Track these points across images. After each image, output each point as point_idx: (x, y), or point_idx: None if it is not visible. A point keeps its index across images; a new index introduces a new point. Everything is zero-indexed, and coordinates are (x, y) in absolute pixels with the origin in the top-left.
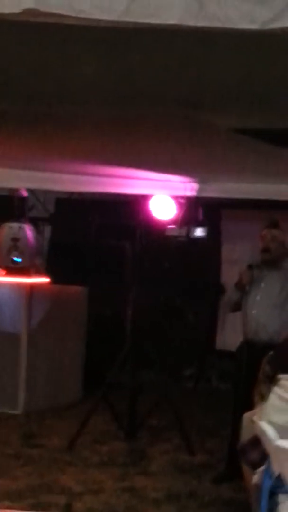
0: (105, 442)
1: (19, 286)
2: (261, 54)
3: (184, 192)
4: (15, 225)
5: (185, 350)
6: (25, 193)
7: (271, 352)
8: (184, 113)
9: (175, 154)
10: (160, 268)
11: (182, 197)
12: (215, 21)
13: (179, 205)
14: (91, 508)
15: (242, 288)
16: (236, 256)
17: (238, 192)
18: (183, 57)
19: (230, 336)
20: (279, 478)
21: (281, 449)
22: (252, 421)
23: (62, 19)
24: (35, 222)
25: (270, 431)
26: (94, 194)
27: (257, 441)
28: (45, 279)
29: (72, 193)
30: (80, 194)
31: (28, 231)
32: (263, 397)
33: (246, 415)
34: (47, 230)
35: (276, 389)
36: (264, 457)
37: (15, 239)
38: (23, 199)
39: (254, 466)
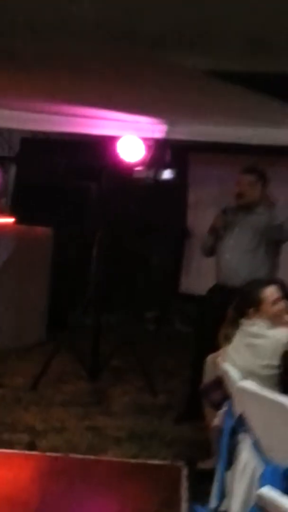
0: (68, 382)
1: None
2: None
3: (153, 134)
4: None
5: (148, 293)
6: None
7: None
8: (155, 54)
9: (144, 95)
10: (126, 210)
11: (150, 139)
12: None
13: (147, 147)
14: (54, 446)
15: (216, 232)
16: (202, 200)
17: (207, 134)
18: None
19: (194, 279)
20: (240, 418)
21: (242, 390)
22: (216, 363)
23: None
24: (1, 162)
25: (233, 372)
26: (61, 134)
27: (220, 382)
28: (9, 219)
29: (36, 133)
30: (46, 134)
31: None
32: (228, 339)
33: (210, 357)
34: (13, 169)
35: (239, 333)
36: (225, 398)
37: None
38: None
39: (216, 406)
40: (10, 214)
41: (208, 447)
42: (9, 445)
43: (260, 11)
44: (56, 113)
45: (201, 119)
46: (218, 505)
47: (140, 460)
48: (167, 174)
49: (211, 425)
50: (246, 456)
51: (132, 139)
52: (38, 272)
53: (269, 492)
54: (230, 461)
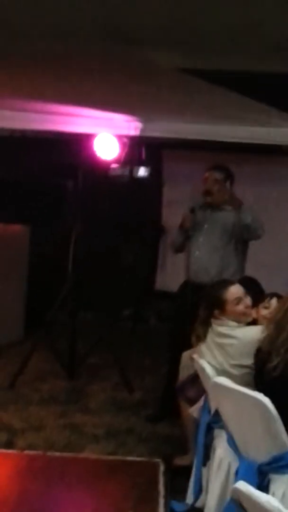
0: (45, 380)
1: None
2: None
3: (128, 131)
4: None
5: (124, 290)
6: None
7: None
8: (130, 51)
9: (119, 93)
10: (102, 207)
11: (125, 136)
12: None
13: (122, 144)
14: (32, 444)
15: (185, 231)
16: (176, 197)
17: (181, 132)
18: None
19: (169, 276)
20: (215, 413)
21: (218, 386)
22: (192, 359)
23: None
24: None
25: (208, 368)
26: (37, 132)
27: (195, 379)
28: None
29: (13, 131)
30: (22, 131)
31: None
32: (200, 338)
33: (185, 354)
34: None
35: (210, 332)
36: (201, 394)
37: None
38: None
39: (192, 403)
40: None
41: (185, 443)
42: None
43: (235, 8)
44: (32, 111)
45: (175, 116)
46: (195, 501)
47: (117, 457)
48: (142, 172)
49: (187, 421)
50: (221, 451)
51: (107, 136)
52: (14, 270)
53: (245, 486)
54: (206, 456)
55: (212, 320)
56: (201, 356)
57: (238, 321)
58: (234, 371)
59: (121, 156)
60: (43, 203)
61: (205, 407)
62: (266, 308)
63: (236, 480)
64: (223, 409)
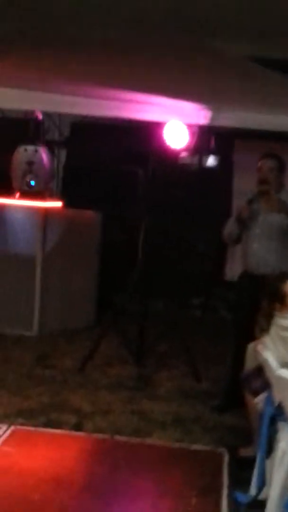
0: (114, 365)
1: (33, 209)
2: None
3: (197, 120)
4: (30, 148)
5: (194, 279)
6: (40, 116)
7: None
8: (200, 40)
9: (190, 81)
10: (172, 196)
11: (195, 125)
12: None
13: (192, 133)
14: (100, 427)
15: (242, 222)
16: (247, 188)
17: (251, 122)
18: None
19: (239, 267)
20: (279, 406)
21: (281, 379)
22: (256, 351)
23: None
24: (50, 146)
25: (272, 361)
26: (109, 119)
27: (260, 370)
28: (59, 203)
29: (85, 117)
30: (94, 118)
31: (44, 154)
32: (263, 331)
33: (251, 345)
34: (62, 154)
35: (274, 325)
36: (266, 386)
37: (30, 163)
38: (38, 122)
39: (257, 394)
40: (58, 198)
41: (249, 435)
42: (57, 425)
43: None
44: (104, 98)
45: (245, 106)
46: (258, 493)
47: (183, 445)
48: (211, 161)
49: (252, 412)
50: (284, 444)
51: (177, 124)
52: (87, 255)
53: None
54: (270, 449)
55: (276, 312)
56: (265, 348)
57: None
58: None
59: (191, 144)
60: (115, 190)
61: (269, 400)
62: None
63: None
64: (287, 402)
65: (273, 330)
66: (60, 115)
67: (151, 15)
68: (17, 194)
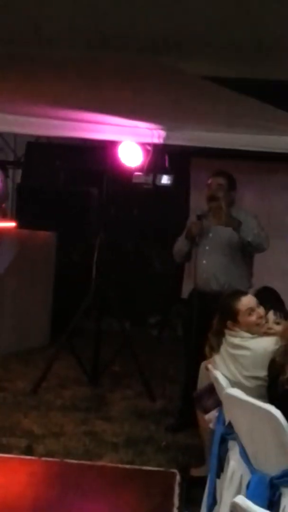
0: (68, 387)
1: None
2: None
3: (151, 139)
4: None
5: (150, 298)
6: None
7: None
8: (154, 59)
9: (144, 101)
10: (127, 215)
11: (149, 144)
12: None
13: (146, 152)
14: (51, 450)
15: (192, 238)
16: (204, 205)
17: (205, 141)
18: None
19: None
20: (229, 425)
21: (230, 397)
22: (207, 369)
23: None
24: (3, 166)
25: (222, 379)
26: (63, 139)
27: (212, 389)
28: (12, 224)
29: (39, 137)
30: (48, 138)
31: None
32: (213, 349)
33: (203, 363)
34: (16, 173)
35: (224, 343)
36: (218, 405)
37: None
38: None
39: (209, 413)
40: (11, 219)
41: (202, 454)
42: (7, 449)
43: (260, 17)
44: (59, 118)
45: (199, 125)
46: None
47: (134, 466)
48: (165, 180)
49: (204, 431)
50: (234, 464)
51: (131, 144)
52: (42, 276)
53: (243, 500)
54: (220, 468)
55: (226, 330)
56: (215, 366)
57: (251, 332)
58: (248, 383)
59: (145, 163)
60: (70, 210)
61: (220, 418)
62: (277, 323)
63: (247, 493)
64: (235, 420)
65: (223, 348)
66: (16, 135)
67: (105, 34)
68: None
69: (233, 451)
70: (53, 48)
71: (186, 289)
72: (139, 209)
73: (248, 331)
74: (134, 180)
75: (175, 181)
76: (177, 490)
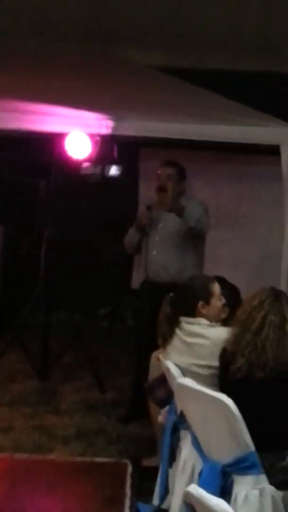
0: (17, 381)
1: None
2: None
3: (99, 130)
4: None
5: (101, 289)
6: None
7: (172, 294)
8: (103, 49)
9: (92, 91)
10: (76, 206)
11: (97, 134)
12: None
13: (94, 143)
14: (1, 445)
15: (142, 229)
16: (153, 196)
17: (153, 130)
18: None
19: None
20: (181, 414)
21: (182, 387)
22: (158, 359)
23: None
24: None
25: (173, 369)
26: (7, 130)
27: (163, 379)
28: None
29: None
30: None
31: None
32: (165, 338)
33: (154, 354)
34: None
35: (178, 332)
36: (170, 395)
37: None
38: None
39: (161, 403)
40: None
41: (154, 444)
42: None
43: (214, 9)
44: (5, 110)
45: (147, 115)
46: (161, 503)
47: (85, 459)
48: (113, 170)
49: (156, 421)
50: (186, 453)
51: (79, 135)
52: None
53: (196, 489)
54: (172, 458)
55: (182, 318)
56: (167, 356)
57: (209, 319)
58: (202, 371)
59: (93, 154)
60: (17, 202)
61: (171, 408)
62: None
63: (199, 481)
64: (187, 410)
65: (176, 337)
66: None
67: (54, 24)
68: None
69: (185, 440)
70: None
71: (137, 280)
72: (88, 200)
73: (207, 317)
74: (83, 172)
75: (124, 171)
76: (129, 480)
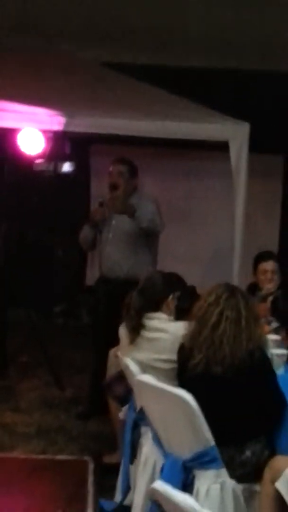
0: None
1: None
2: None
3: (51, 126)
4: None
5: (55, 286)
6: None
7: (139, 287)
8: (54, 45)
9: (43, 87)
10: (28, 203)
11: (49, 131)
12: None
13: (47, 139)
14: None
15: (95, 226)
16: (105, 192)
17: (105, 127)
18: None
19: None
20: (141, 411)
21: (142, 383)
22: (117, 356)
23: None
24: None
25: (133, 366)
26: None
27: (122, 376)
28: None
29: None
30: None
31: None
32: (135, 330)
33: (112, 351)
34: None
35: (138, 329)
36: (129, 392)
37: None
38: None
39: (120, 400)
40: None
41: (114, 441)
42: None
43: (160, 5)
44: None
45: (99, 111)
46: (123, 499)
47: (46, 456)
48: (66, 167)
49: (115, 418)
50: (147, 449)
51: (31, 131)
52: None
53: (161, 485)
54: (133, 454)
55: (144, 314)
56: (126, 353)
57: (169, 314)
58: (163, 366)
59: (46, 151)
60: None
61: (131, 405)
62: None
63: (161, 477)
64: (147, 406)
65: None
66: None
67: (3, 20)
68: None
69: (145, 436)
70: None
71: (91, 277)
72: (40, 197)
73: (171, 312)
74: (35, 168)
75: (76, 168)
76: (91, 478)
